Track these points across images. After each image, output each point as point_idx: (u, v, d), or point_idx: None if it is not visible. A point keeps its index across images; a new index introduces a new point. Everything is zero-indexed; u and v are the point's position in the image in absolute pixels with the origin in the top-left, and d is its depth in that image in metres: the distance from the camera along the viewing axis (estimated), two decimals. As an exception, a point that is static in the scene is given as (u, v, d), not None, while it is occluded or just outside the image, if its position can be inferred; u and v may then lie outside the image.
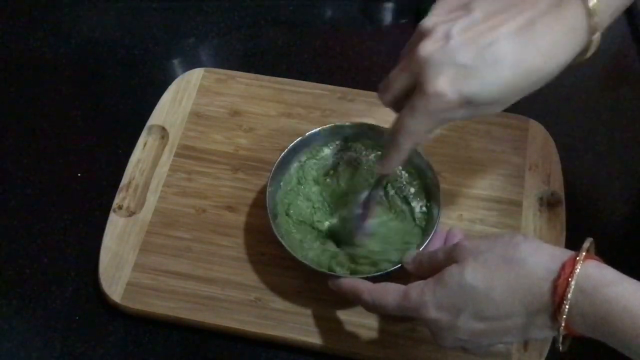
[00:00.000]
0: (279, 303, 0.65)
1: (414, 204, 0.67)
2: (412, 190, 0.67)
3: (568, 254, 0.47)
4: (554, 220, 0.69)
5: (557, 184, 0.71)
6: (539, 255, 0.48)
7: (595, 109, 0.80)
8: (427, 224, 0.65)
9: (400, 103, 0.53)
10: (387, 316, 0.55)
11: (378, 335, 0.63)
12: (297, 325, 0.64)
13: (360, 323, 0.64)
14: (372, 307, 0.55)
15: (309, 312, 0.64)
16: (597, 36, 0.49)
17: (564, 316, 0.45)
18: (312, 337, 0.63)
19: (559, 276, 0.46)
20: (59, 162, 0.76)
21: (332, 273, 0.61)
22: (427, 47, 0.49)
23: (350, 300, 0.58)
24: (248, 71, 0.81)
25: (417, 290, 0.52)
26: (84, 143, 0.78)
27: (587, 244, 0.48)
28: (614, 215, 0.73)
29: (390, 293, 0.54)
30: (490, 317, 0.49)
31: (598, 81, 0.84)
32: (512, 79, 0.49)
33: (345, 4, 0.90)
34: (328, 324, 0.64)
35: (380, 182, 0.63)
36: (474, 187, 0.72)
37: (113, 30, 0.88)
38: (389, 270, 0.60)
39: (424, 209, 0.67)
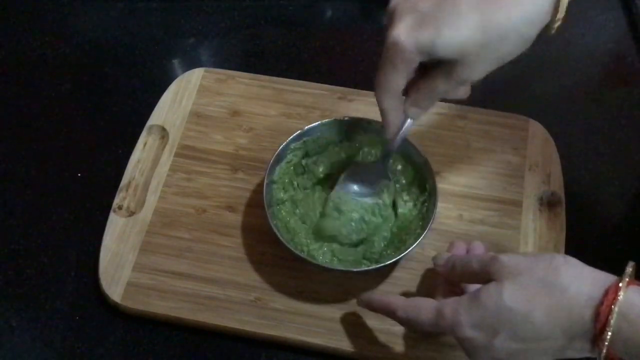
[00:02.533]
0: (279, 303, 0.65)
1: (407, 197, 0.67)
2: (404, 181, 0.68)
3: (610, 279, 0.47)
4: (554, 220, 0.69)
5: (557, 184, 0.71)
6: (581, 280, 0.47)
7: (595, 109, 0.80)
8: (425, 218, 0.65)
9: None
10: (421, 331, 0.55)
11: (378, 335, 0.63)
12: (297, 325, 0.64)
13: (360, 323, 0.64)
14: (406, 324, 0.55)
15: (309, 312, 0.64)
16: (563, 6, 0.49)
17: (607, 343, 0.45)
18: (312, 337, 0.63)
19: (601, 303, 0.45)
20: (59, 162, 0.76)
21: (329, 266, 0.62)
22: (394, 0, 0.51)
23: (383, 314, 0.57)
24: (248, 71, 0.81)
25: (452, 308, 0.51)
26: (84, 143, 0.78)
27: (629, 269, 0.47)
28: (614, 215, 0.73)
29: (424, 310, 0.53)
30: (527, 338, 0.48)
31: (598, 81, 0.84)
32: (470, 32, 0.49)
33: (345, 4, 0.90)
34: (328, 324, 0.64)
35: (387, 154, 0.64)
36: (474, 187, 0.72)
37: (113, 30, 0.88)
38: (386, 263, 0.61)
39: (420, 204, 0.67)
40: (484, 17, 0.48)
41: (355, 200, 0.66)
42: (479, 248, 0.61)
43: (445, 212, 0.69)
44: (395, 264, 0.62)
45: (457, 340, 0.52)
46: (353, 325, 0.64)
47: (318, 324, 0.64)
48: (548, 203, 0.71)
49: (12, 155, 0.77)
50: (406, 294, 0.65)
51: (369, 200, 0.67)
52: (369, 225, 0.66)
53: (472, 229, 0.69)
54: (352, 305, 0.64)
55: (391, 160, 0.66)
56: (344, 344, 0.63)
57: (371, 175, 0.66)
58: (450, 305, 0.51)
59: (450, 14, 0.49)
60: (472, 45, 0.49)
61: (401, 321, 0.55)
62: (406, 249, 0.62)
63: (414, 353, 0.62)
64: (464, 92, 0.57)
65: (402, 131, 0.60)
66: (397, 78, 0.53)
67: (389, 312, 0.56)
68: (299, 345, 0.63)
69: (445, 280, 0.59)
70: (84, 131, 0.79)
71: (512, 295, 0.48)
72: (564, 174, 0.72)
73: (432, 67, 0.53)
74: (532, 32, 0.50)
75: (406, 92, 0.56)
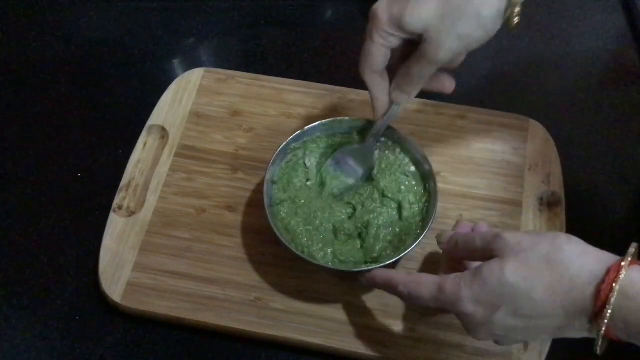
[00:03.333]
0: (279, 303, 0.65)
1: (413, 199, 0.67)
2: (413, 168, 0.68)
3: (613, 258, 0.47)
4: (554, 220, 0.69)
5: (557, 184, 0.71)
6: (584, 258, 0.48)
7: (595, 109, 0.80)
8: (425, 218, 0.65)
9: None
10: (422, 307, 0.55)
11: (378, 335, 0.63)
12: (297, 325, 0.64)
13: (360, 323, 0.64)
14: (407, 299, 0.55)
15: (309, 312, 0.64)
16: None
17: (606, 321, 0.45)
18: (312, 337, 0.63)
19: (603, 281, 0.45)
20: (59, 162, 0.76)
21: (329, 266, 0.62)
22: None
23: (385, 291, 0.58)
24: (248, 71, 0.81)
25: (453, 283, 0.51)
26: (84, 143, 0.78)
27: (632, 249, 0.47)
28: (614, 215, 0.73)
29: (425, 285, 0.53)
30: (528, 315, 0.49)
31: (598, 81, 0.84)
32: (432, 6, 0.54)
33: (345, 4, 0.90)
34: (328, 324, 0.64)
35: (373, 137, 0.66)
36: (474, 187, 0.72)
37: (113, 30, 0.88)
38: (386, 263, 0.61)
39: (421, 204, 0.67)
40: None
41: (338, 178, 0.68)
42: (483, 227, 0.61)
43: (445, 212, 0.69)
44: (395, 264, 0.62)
45: (457, 316, 0.52)
46: (353, 325, 0.64)
47: (318, 324, 0.64)
48: (548, 203, 0.71)
49: (12, 155, 0.77)
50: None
51: (350, 181, 0.68)
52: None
53: (472, 229, 0.69)
54: (352, 305, 0.64)
55: (376, 145, 0.67)
56: (344, 344, 0.63)
57: (358, 159, 0.68)
58: (451, 281, 0.51)
59: None
60: (432, 19, 0.54)
61: (402, 296, 0.55)
62: (406, 249, 0.62)
63: (414, 353, 0.62)
64: (448, 83, 0.62)
65: (387, 115, 0.63)
66: (375, 51, 0.58)
67: (390, 287, 0.56)
68: (299, 345, 0.63)
69: (448, 258, 0.59)
70: (84, 131, 0.79)
71: (514, 272, 0.48)
72: (564, 174, 0.72)
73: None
74: (490, 13, 0.54)
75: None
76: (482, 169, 0.73)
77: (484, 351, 0.62)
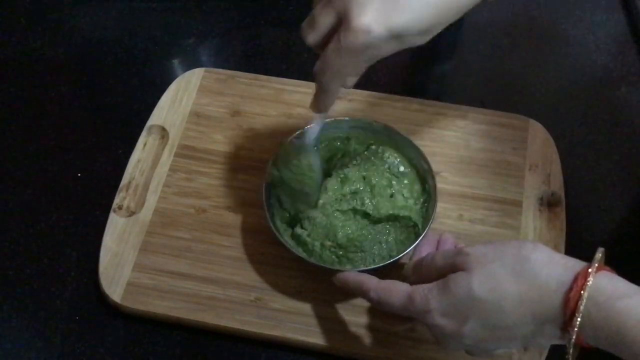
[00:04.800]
0: (279, 303, 0.65)
1: (408, 194, 0.67)
2: (402, 168, 0.67)
3: (580, 265, 0.47)
4: (554, 220, 0.69)
5: (557, 184, 0.71)
6: (551, 267, 0.47)
7: (595, 109, 0.80)
8: (423, 222, 0.65)
9: (326, 42, 0.51)
10: (393, 315, 0.55)
11: (378, 335, 0.63)
12: (297, 325, 0.64)
13: (360, 323, 0.64)
14: (377, 304, 0.55)
15: (309, 312, 0.64)
16: None
17: (576, 329, 0.45)
18: (312, 337, 0.63)
19: (571, 288, 0.45)
20: (59, 162, 0.76)
21: (328, 266, 0.62)
22: None
23: (354, 294, 0.58)
24: (248, 71, 0.81)
25: (422, 295, 0.51)
26: (84, 143, 0.78)
27: (599, 254, 0.47)
28: (614, 215, 0.73)
29: (395, 294, 0.53)
30: (497, 325, 0.49)
31: (598, 81, 0.84)
32: (437, 5, 0.49)
33: (345, 4, 0.89)
34: (328, 324, 0.64)
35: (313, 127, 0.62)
36: (474, 187, 0.72)
37: (113, 30, 0.88)
38: (386, 263, 0.61)
39: (420, 205, 0.66)
40: None
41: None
42: (447, 240, 0.60)
43: (445, 212, 0.69)
44: (394, 264, 0.62)
45: (427, 327, 0.52)
46: (353, 325, 0.64)
47: (318, 324, 0.64)
48: (548, 203, 0.71)
49: (12, 155, 0.77)
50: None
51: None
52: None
53: (472, 229, 0.69)
54: (352, 305, 0.64)
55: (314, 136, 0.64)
56: (344, 344, 0.63)
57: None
58: (420, 292, 0.51)
59: None
60: (439, 19, 0.49)
61: (372, 301, 0.55)
62: (407, 248, 0.62)
63: (414, 353, 0.62)
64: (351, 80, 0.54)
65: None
66: (355, 64, 0.51)
67: (362, 292, 0.56)
68: (299, 345, 0.63)
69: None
70: (84, 131, 0.79)
71: (481, 285, 0.48)
72: (564, 174, 0.72)
73: None
74: None
75: None
76: (482, 169, 0.73)
77: (487, 354, 0.62)
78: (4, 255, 0.70)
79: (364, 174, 0.66)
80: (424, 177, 0.67)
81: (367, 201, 0.64)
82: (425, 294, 0.51)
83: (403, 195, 0.66)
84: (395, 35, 0.48)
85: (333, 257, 0.63)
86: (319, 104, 0.56)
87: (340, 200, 0.65)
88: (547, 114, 0.77)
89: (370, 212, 0.64)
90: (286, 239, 0.64)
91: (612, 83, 0.83)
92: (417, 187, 0.67)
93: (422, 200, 0.67)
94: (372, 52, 0.49)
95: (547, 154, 0.74)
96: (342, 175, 0.65)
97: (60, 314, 0.66)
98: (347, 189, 0.65)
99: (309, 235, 0.63)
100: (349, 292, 0.59)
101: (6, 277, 0.68)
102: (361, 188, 0.65)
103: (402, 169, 0.68)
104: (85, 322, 0.66)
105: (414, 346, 0.62)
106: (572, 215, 0.70)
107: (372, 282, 0.55)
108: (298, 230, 0.64)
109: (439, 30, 0.51)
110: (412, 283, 0.54)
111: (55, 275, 0.68)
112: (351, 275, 0.58)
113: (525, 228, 0.69)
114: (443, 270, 0.52)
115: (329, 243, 0.63)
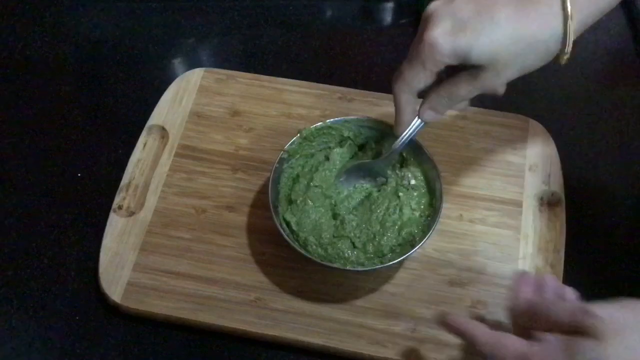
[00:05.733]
0: (279, 303, 0.65)
1: (415, 205, 0.67)
2: (413, 182, 0.67)
3: None
4: (554, 220, 0.69)
5: (557, 184, 0.71)
6: None
7: (595, 109, 0.80)
8: (430, 219, 0.65)
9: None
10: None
11: (378, 335, 0.63)
12: (297, 325, 0.64)
13: (360, 323, 0.64)
14: (486, 357, 0.51)
15: (309, 312, 0.64)
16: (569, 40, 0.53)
17: None
18: (312, 337, 0.63)
19: None
20: (59, 162, 0.76)
21: (328, 265, 0.61)
22: (433, 4, 0.54)
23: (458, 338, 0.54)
24: (248, 71, 0.81)
25: (542, 358, 0.46)
26: (84, 143, 0.78)
27: None
28: (614, 215, 0.73)
29: (510, 349, 0.48)
30: None
31: (598, 81, 0.84)
32: (504, 40, 0.52)
33: (345, 4, 0.90)
34: (328, 324, 0.64)
35: (391, 153, 0.64)
36: (474, 187, 0.72)
37: (113, 30, 0.88)
38: (388, 264, 0.61)
39: (424, 206, 0.66)
40: (518, 28, 0.52)
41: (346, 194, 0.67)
42: (551, 281, 0.55)
43: (445, 212, 0.69)
44: (399, 263, 0.62)
45: None
46: (353, 325, 0.64)
47: (318, 324, 0.64)
48: (548, 203, 0.71)
49: (12, 155, 0.77)
50: (410, 291, 0.65)
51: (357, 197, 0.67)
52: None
53: (472, 229, 0.69)
54: (352, 305, 0.64)
55: (393, 161, 0.66)
56: (344, 344, 0.63)
57: (371, 173, 0.67)
58: (539, 354, 0.47)
59: (489, 23, 0.52)
60: (504, 53, 0.52)
61: (483, 355, 0.50)
62: (411, 250, 0.61)
63: (414, 353, 0.62)
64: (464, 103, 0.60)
65: (410, 132, 0.62)
66: (422, 77, 0.55)
67: (471, 342, 0.51)
68: (299, 345, 0.63)
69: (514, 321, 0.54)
70: (84, 131, 0.79)
71: (616, 357, 0.44)
72: (564, 174, 0.72)
73: (451, 74, 0.56)
74: (556, 48, 0.53)
75: (422, 96, 0.59)
76: (482, 169, 0.73)
77: (484, 351, 0.62)
78: (4, 255, 0.70)
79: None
80: (430, 180, 0.67)
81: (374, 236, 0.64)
82: (546, 357, 0.46)
83: (411, 207, 0.66)
84: (459, 55, 0.53)
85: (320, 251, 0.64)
86: (395, 124, 0.61)
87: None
88: (547, 114, 0.77)
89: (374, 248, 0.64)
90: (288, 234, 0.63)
91: (612, 83, 0.83)
92: (421, 190, 0.67)
93: (425, 202, 0.66)
94: (435, 65, 0.54)
95: (547, 154, 0.74)
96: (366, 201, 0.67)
97: (60, 314, 0.66)
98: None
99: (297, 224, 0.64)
100: (449, 332, 0.55)
101: (6, 277, 0.68)
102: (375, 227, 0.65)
103: (412, 182, 0.67)
104: (85, 322, 0.66)
105: (414, 346, 0.62)
106: (572, 215, 0.70)
107: (484, 335, 0.51)
108: (287, 215, 0.65)
109: (508, 72, 0.54)
110: (515, 331, 0.51)
111: (55, 275, 0.68)
112: (458, 320, 0.53)
113: (525, 228, 0.69)
114: (564, 327, 0.47)
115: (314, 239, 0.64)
